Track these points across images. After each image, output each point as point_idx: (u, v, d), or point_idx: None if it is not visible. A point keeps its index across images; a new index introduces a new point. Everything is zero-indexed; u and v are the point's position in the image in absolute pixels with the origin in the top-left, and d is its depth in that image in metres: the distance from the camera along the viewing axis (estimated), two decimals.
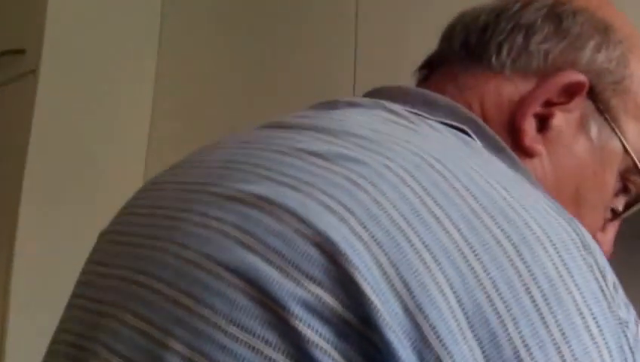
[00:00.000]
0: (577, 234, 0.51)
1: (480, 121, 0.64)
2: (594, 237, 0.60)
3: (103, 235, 0.63)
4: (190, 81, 2.11)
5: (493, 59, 0.68)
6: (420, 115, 0.61)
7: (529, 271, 0.48)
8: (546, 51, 0.67)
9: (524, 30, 0.68)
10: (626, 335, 0.50)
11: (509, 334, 0.46)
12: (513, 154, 0.63)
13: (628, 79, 0.69)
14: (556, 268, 0.49)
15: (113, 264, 0.58)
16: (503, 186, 0.52)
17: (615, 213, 0.73)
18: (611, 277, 0.52)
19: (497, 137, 0.63)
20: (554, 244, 0.49)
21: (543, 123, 0.67)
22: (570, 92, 0.67)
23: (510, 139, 0.66)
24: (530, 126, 0.66)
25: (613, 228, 0.74)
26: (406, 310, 0.46)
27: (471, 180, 0.51)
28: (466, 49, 0.70)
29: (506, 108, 0.67)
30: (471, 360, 0.45)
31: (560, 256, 0.49)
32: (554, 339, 0.47)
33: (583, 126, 0.68)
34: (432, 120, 0.60)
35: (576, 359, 0.46)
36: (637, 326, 0.52)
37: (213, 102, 2.05)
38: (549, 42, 0.68)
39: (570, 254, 0.50)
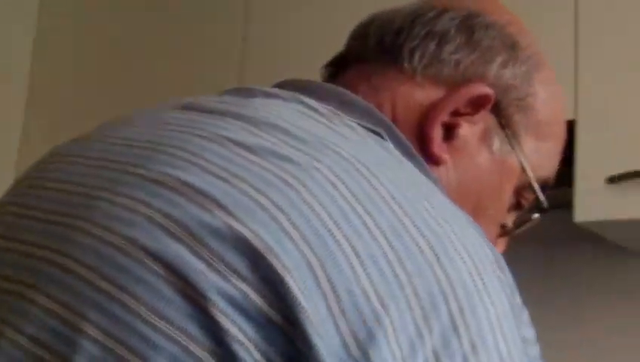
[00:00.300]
0: (492, 252, 0.53)
1: (392, 125, 0.64)
2: None
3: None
4: (66, 71, 2.08)
5: (406, 63, 0.68)
6: (337, 113, 0.61)
7: (448, 281, 0.49)
8: (457, 61, 0.68)
9: (437, 38, 0.69)
10: (527, 354, 0.51)
11: (424, 342, 0.47)
12: (423, 162, 0.64)
13: (531, 97, 0.70)
14: (474, 281, 0.50)
15: (16, 238, 0.55)
16: (425, 196, 0.54)
17: (505, 230, 0.74)
18: (518, 296, 0.53)
19: (409, 143, 0.64)
20: (472, 259, 0.51)
21: (449, 132, 0.68)
22: (477, 104, 0.68)
23: (418, 145, 0.66)
24: (437, 134, 0.67)
25: (502, 244, 0.75)
26: (331, 314, 0.46)
27: (396, 188, 0.52)
28: (380, 50, 0.70)
29: (415, 113, 0.68)
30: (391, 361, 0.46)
31: (478, 271, 0.50)
32: (464, 352, 0.48)
33: (485, 138, 0.69)
34: (348, 120, 0.61)
35: None
36: (537, 345, 0.54)
37: (88, 93, 2.00)
38: (461, 52, 0.68)
39: (486, 270, 0.51)
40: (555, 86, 0.74)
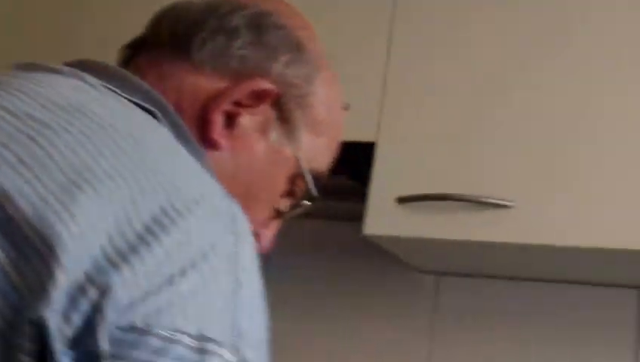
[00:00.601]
0: (232, 216, 0.59)
1: (171, 108, 0.69)
2: (258, 232, 0.77)
3: None
4: None
5: (195, 54, 0.74)
6: (112, 89, 0.66)
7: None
8: (244, 56, 0.74)
9: (227, 33, 0.75)
10: (237, 304, 0.56)
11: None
12: (195, 144, 0.69)
13: (311, 96, 0.78)
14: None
15: None
16: (182, 171, 0.60)
17: (279, 213, 0.81)
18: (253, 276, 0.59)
19: (185, 127, 0.69)
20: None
21: (231, 120, 0.74)
22: (258, 97, 0.74)
23: (198, 132, 0.72)
24: (218, 120, 0.73)
25: (275, 226, 0.82)
26: (43, 261, 0.50)
27: (143, 151, 0.58)
28: (173, 39, 0.76)
29: (200, 101, 0.74)
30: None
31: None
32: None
33: (264, 130, 0.76)
34: (122, 96, 0.66)
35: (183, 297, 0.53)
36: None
37: None
38: (248, 48, 0.75)
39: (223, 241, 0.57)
40: (335, 88, 0.81)
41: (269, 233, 0.82)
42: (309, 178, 0.79)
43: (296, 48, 0.77)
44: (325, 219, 1.65)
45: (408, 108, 1.36)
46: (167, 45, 0.76)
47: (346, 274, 1.71)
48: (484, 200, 1.26)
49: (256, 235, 0.78)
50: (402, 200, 1.30)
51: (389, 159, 1.34)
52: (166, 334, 0.52)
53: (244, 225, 0.60)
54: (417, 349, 1.60)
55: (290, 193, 0.80)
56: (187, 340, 0.52)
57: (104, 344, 0.50)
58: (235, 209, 0.60)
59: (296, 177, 0.79)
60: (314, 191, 0.80)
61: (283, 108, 0.76)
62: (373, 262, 1.64)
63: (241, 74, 0.74)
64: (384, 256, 1.54)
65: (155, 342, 0.51)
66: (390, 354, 1.62)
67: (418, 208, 1.29)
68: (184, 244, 0.54)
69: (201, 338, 0.53)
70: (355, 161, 1.35)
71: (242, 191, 0.73)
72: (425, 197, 1.28)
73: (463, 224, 1.27)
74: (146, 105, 0.67)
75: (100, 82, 0.66)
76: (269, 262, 0.73)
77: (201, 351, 0.53)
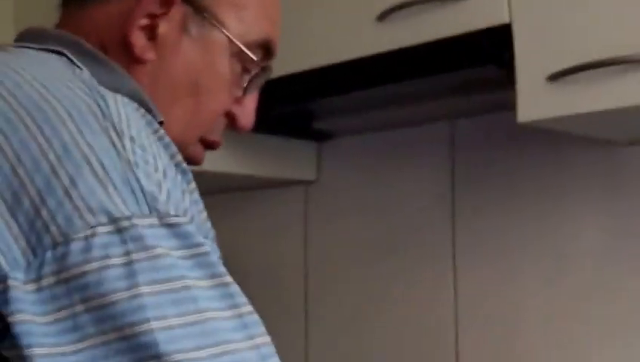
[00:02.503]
0: (100, 108, 0.65)
1: (83, 42, 0.77)
2: (235, 112, 0.88)
3: None
4: None
5: None
6: (26, 46, 0.75)
7: (47, 141, 0.61)
8: None
9: None
10: (136, 175, 0.62)
11: (27, 191, 0.60)
12: (111, 63, 0.76)
13: None
14: (71, 134, 0.62)
15: None
16: (44, 84, 0.66)
17: (244, 90, 0.88)
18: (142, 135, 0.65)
19: (95, 51, 0.77)
20: (73, 119, 0.63)
21: (152, 33, 0.80)
22: (167, 2, 0.80)
23: (126, 54, 0.80)
24: (137, 38, 0.80)
25: (251, 101, 0.90)
26: None
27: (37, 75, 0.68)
28: None
29: (116, 29, 0.80)
30: (7, 232, 0.59)
31: (77, 126, 0.63)
32: (63, 185, 0.60)
33: (184, 28, 0.81)
34: (34, 49, 0.74)
35: (83, 198, 0.60)
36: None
37: None
38: None
39: (88, 123, 0.63)
40: None
41: (248, 109, 0.90)
42: (247, 51, 0.85)
43: None
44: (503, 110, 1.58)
45: None
46: None
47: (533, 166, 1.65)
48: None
49: (233, 116, 0.90)
50: (553, 77, 1.20)
51: (528, 37, 1.24)
52: (82, 235, 0.59)
53: (118, 102, 0.67)
54: None
55: (244, 69, 0.86)
56: (102, 229, 0.59)
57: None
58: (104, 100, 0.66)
59: (239, 54, 0.85)
60: (254, 58, 0.86)
61: (193, 2, 0.81)
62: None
63: None
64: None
65: (77, 245, 0.58)
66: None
67: (573, 81, 1.19)
68: (64, 150, 0.61)
69: (113, 221, 0.59)
70: (498, 48, 1.28)
71: (192, 90, 0.82)
72: (579, 69, 1.18)
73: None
74: (57, 49, 0.74)
75: (16, 45, 0.77)
76: None
77: (119, 231, 0.59)
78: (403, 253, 1.77)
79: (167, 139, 0.69)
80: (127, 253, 0.59)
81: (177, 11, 0.80)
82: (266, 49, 0.88)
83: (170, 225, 0.61)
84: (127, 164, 0.62)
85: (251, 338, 0.62)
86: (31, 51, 0.74)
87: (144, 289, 0.58)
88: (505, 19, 1.25)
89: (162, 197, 0.62)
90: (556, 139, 1.53)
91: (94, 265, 0.58)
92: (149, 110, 0.73)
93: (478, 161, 1.70)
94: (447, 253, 1.71)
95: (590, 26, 1.18)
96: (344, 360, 1.83)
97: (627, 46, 1.14)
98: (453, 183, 1.73)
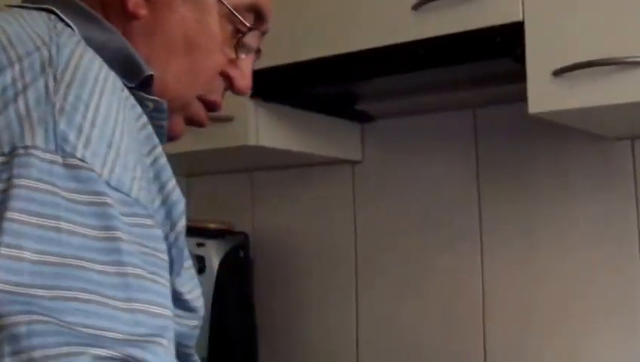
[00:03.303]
0: (50, 56, 0.67)
1: (76, 1, 0.80)
2: (232, 74, 0.90)
3: None
4: None
5: None
6: (25, 7, 0.79)
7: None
8: None
9: None
10: (55, 117, 0.62)
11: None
12: (102, 21, 0.80)
13: None
14: (13, 76, 0.65)
15: None
16: (8, 34, 0.69)
17: (236, 51, 0.90)
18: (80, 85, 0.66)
19: (87, 9, 0.80)
20: (21, 63, 0.65)
21: None
22: None
23: (123, 13, 0.82)
24: None
25: (246, 63, 0.92)
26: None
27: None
28: None
29: None
30: None
31: (21, 70, 0.65)
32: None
33: None
34: (28, 8, 0.77)
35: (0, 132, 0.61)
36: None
37: None
38: None
39: (32, 68, 0.65)
40: None
41: (244, 71, 0.91)
42: (235, 12, 0.87)
43: None
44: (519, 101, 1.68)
45: None
46: None
47: (539, 156, 1.74)
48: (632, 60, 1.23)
49: (231, 77, 0.91)
50: (557, 72, 1.29)
51: (538, 35, 1.34)
52: None
53: (65, 40, 0.69)
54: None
55: (237, 31, 0.88)
56: (1, 159, 0.59)
57: None
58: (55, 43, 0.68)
59: (228, 16, 0.87)
60: (244, 21, 0.88)
61: None
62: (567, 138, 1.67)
63: None
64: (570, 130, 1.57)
65: None
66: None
67: (576, 77, 1.28)
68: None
69: (12, 149, 0.60)
70: (515, 43, 1.37)
71: (184, 46, 0.84)
72: (581, 65, 1.27)
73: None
74: (48, 7, 0.77)
75: (16, 5, 0.80)
76: None
77: (12, 158, 0.59)
78: (438, 229, 1.90)
79: (133, 101, 0.71)
80: (9, 179, 0.58)
81: None
82: (257, 13, 0.90)
83: (71, 166, 0.60)
84: (52, 107, 0.63)
85: (129, 300, 0.59)
86: (23, 10, 0.76)
87: (10, 214, 0.57)
88: (519, 17, 1.36)
89: (75, 142, 0.62)
90: (564, 131, 1.63)
91: None
92: (137, 64, 0.78)
93: (498, 148, 1.82)
94: (475, 229, 1.85)
95: (594, 28, 1.28)
96: (390, 321, 1.97)
97: (627, 47, 1.24)
98: (477, 166, 1.85)
